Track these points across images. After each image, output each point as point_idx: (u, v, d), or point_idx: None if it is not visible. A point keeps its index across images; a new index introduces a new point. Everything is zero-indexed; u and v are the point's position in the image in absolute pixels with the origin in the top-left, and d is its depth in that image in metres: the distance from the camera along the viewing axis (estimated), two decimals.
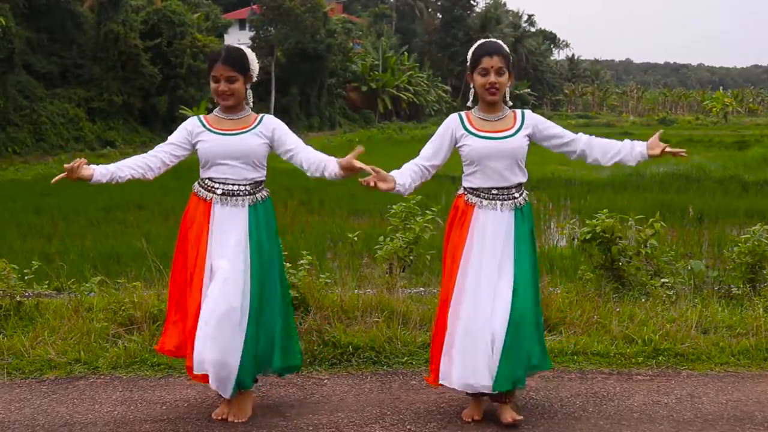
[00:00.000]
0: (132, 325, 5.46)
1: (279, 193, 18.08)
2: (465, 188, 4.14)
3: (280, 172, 23.06)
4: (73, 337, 5.33)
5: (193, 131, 4.18)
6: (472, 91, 4.13)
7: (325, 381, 4.80)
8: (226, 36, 58.71)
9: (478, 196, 4.08)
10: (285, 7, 51.02)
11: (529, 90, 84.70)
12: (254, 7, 56.26)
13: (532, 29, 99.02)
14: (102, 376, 4.88)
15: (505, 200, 4.07)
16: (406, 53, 69.62)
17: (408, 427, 4.11)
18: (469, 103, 4.17)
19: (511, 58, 4.13)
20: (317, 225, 13.94)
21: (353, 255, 9.67)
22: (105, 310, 5.74)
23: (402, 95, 64.99)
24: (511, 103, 4.21)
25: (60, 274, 7.16)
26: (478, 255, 4.03)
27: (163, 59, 41.12)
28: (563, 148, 4.21)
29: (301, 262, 6.05)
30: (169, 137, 4.27)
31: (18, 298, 5.85)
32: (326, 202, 16.95)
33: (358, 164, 3.98)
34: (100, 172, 4.09)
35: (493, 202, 4.06)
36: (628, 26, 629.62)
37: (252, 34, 55.24)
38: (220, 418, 4.17)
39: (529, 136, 4.12)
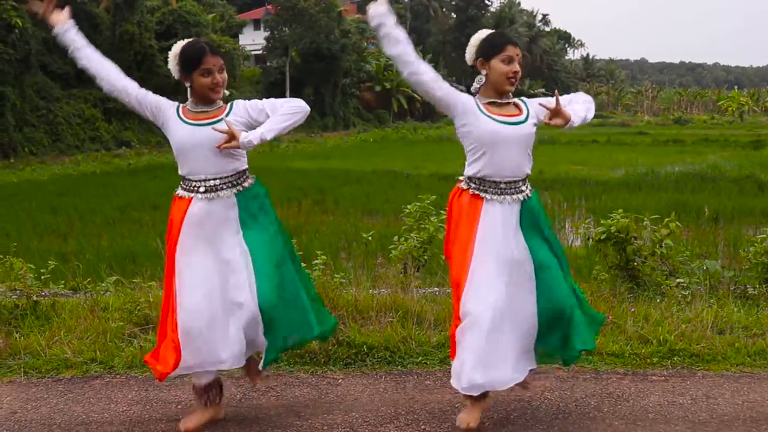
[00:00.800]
0: (147, 325, 5.49)
1: (293, 192, 18.12)
2: (470, 179, 3.97)
3: (294, 172, 23.18)
4: (89, 336, 5.36)
5: (164, 109, 4.08)
6: (483, 78, 3.95)
7: (340, 381, 4.81)
8: (240, 36, 58.87)
9: (486, 190, 3.91)
10: (299, 8, 51.11)
11: (543, 90, 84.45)
12: (269, 7, 56.39)
13: (547, 29, 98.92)
14: (118, 376, 4.90)
15: (513, 194, 3.92)
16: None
17: (422, 427, 4.11)
18: (474, 87, 4.00)
19: None
20: (331, 225, 13.95)
21: (368, 255, 9.67)
22: (120, 309, 5.77)
23: (416, 95, 64.97)
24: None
25: (76, 274, 7.21)
26: (491, 248, 3.86)
27: None
28: None
29: (316, 261, 6.07)
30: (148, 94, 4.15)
31: (34, 298, 5.89)
32: (340, 201, 16.96)
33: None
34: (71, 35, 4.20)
35: (501, 196, 3.90)
36: (643, 26, 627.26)
37: (266, 34, 55.36)
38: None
39: (536, 124, 4.01)
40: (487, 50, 3.92)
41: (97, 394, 4.62)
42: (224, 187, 4.00)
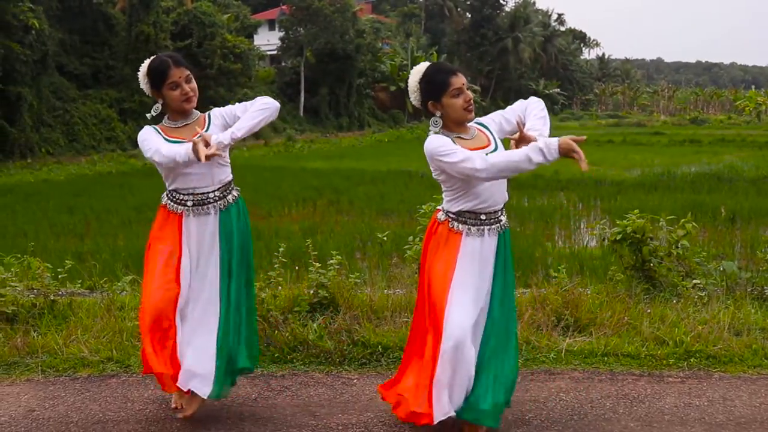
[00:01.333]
0: None
1: (308, 192, 18.16)
2: (449, 214, 3.84)
3: (309, 172, 23.21)
4: (105, 335, 5.40)
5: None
6: (439, 120, 3.76)
7: (355, 380, 4.82)
8: (255, 36, 59.02)
9: (465, 222, 3.79)
10: (314, 8, 51.19)
11: (558, 90, 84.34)
12: (284, 7, 56.51)
13: (562, 28, 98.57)
14: (134, 375, 4.93)
15: (492, 224, 3.81)
16: (435, 53, 69.61)
17: (437, 426, 4.11)
18: (432, 131, 3.79)
19: None
20: (346, 225, 13.96)
21: (382, 255, 9.68)
22: (136, 309, 5.78)
23: None
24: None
25: (92, 273, 7.26)
26: (471, 283, 3.76)
27: (193, 60, 41.37)
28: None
29: (331, 262, 6.07)
30: (155, 142, 3.96)
31: (52, 297, 5.93)
32: (355, 202, 16.97)
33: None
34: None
35: (481, 228, 3.79)
36: (658, 25, 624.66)
37: (281, 34, 55.48)
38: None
39: (502, 140, 3.88)
40: (434, 91, 3.74)
41: (114, 393, 4.64)
42: (210, 200, 4.05)
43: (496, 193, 3.82)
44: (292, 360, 5.06)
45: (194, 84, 4.06)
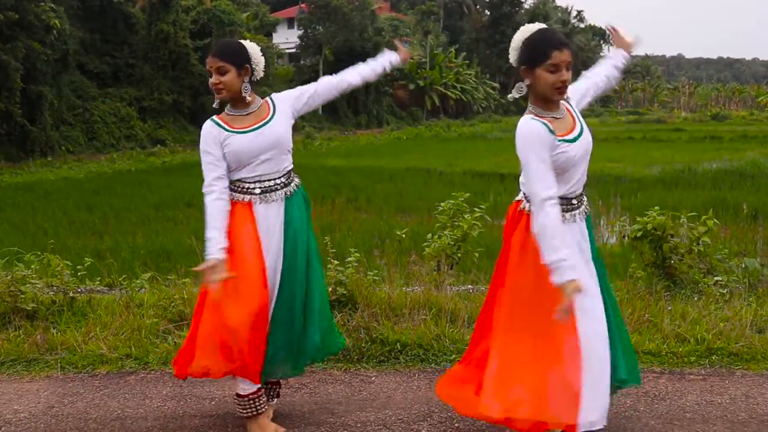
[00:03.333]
0: (182, 321, 5.52)
1: (326, 190, 18.15)
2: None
3: (327, 170, 23.21)
4: (124, 332, 5.41)
5: (218, 138, 3.85)
6: (525, 87, 3.44)
7: (373, 378, 4.80)
8: (274, 35, 59.14)
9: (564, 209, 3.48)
10: (333, 6, 51.24)
11: None
12: (302, 5, 56.59)
13: (582, 25, 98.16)
14: (152, 372, 4.94)
15: (579, 208, 3.55)
16: (453, 51, 69.45)
17: (456, 425, 4.09)
18: (512, 96, 3.56)
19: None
20: (365, 222, 13.93)
21: (401, 252, 9.64)
22: (155, 306, 5.81)
23: (449, 93, 64.82)
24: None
25: (111, 271, 7.27)
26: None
27: None
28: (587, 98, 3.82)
29: (349, 259, 6.05)
30: (206, 160, 3.85)
31: (71, 294, 5.95)
32: (374, 199, 16.95)
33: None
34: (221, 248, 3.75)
35: (572, 213, 3.51)
36: (679, 21, 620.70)
37: (300, 32, 55.58)
38: None
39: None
40: (531, 57, 3.40)
41: (132, 390, 4.65)
42: (278, 187, 3.92)
43: (582, 176, 3.55)
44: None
45: (229, 78, 3.81)
